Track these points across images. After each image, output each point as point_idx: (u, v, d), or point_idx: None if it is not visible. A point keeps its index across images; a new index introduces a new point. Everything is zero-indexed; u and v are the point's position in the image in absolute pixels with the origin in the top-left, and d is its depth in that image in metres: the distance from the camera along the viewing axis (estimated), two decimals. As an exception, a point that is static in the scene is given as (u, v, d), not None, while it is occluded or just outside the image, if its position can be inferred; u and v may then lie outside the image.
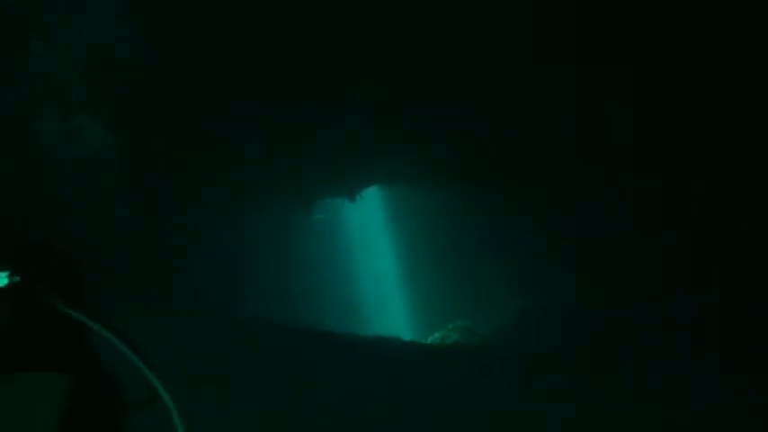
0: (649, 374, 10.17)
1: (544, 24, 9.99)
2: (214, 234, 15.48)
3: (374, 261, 35.15)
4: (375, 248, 34.31)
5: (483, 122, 12.22)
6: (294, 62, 10.91)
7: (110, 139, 11.12)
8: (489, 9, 10.10)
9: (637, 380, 10.07)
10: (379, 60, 11.17)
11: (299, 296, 21.12)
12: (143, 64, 10.95)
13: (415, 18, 10.34)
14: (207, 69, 10.71)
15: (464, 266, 20.24)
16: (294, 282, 21.39)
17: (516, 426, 8.91)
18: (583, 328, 12.56)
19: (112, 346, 2.13)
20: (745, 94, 9.54)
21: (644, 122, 10.65)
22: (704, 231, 10.81)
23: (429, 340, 19.51)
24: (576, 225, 13.02)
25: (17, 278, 2.14)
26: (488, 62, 10.91)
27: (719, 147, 10.26)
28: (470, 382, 10.67)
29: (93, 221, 11.28)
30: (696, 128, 10.23)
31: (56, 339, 2.16)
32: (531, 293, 15.99)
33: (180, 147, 11.82)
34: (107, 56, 10.63)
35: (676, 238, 11.20)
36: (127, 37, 10.72)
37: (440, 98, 12.02)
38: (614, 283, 12.62)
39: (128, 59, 10.84)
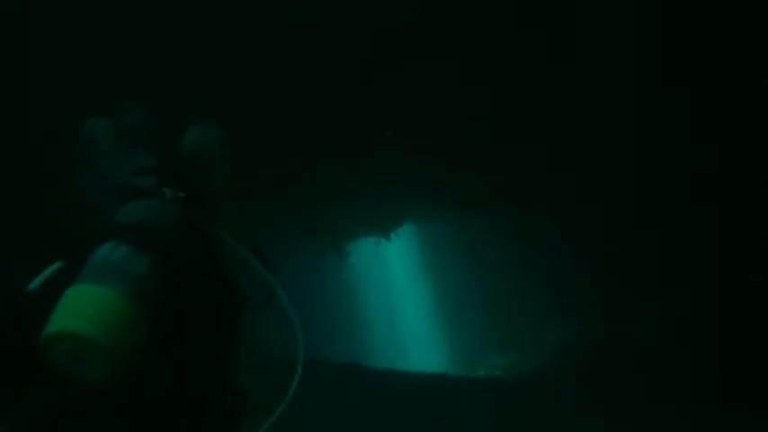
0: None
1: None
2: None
3: (411, 298, 35.01)
4: (411, 285, 34.18)
5: (513, 155, 12.11)
6: (321, 100, 10.85)
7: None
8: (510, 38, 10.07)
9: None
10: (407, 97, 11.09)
11: (332, 333, 21.04)
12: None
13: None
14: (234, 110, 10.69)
15: (501, 301, 20.06)
16: (329, 319, 21.31)
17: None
18: (622, 360, 12.37)
19: (242, 256, 2.73)
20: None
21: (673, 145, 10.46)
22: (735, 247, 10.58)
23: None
24: (608, 256, 12.84)
25: (181, 194, 2.75)
26: (514, 89, 10.83)
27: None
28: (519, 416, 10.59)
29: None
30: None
31: (206, 246, 2.74)
32: (569, 326, 15.76)
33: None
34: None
35: (707, 264, 10.95)
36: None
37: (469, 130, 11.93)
38: (649, 313, 12.39)
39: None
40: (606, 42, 9.50)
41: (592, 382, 12.15)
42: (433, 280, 28.53)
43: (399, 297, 36.22)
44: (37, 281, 2.54)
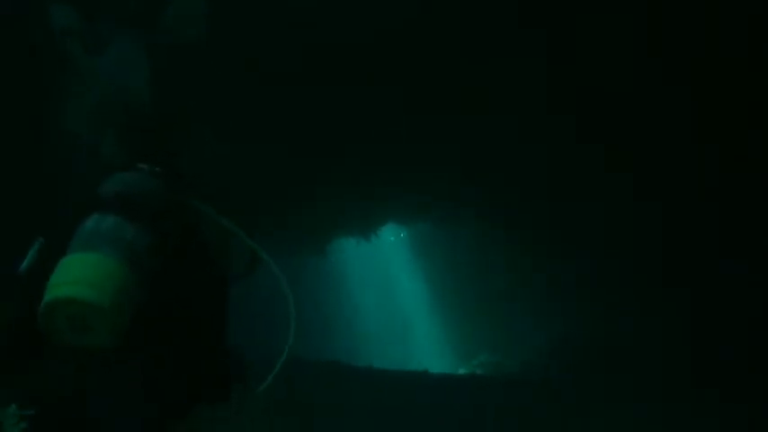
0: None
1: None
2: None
3: (399, 297, 35.02)
4: (400, 284, 34.17)
5: (503, 155, 12.07)
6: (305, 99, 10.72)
7: None
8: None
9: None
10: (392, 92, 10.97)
11: (322, 333, 20.93)
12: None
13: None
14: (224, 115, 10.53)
15: (490, 301, 20.08)
16: (315, 319, 21.23)
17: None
18: (611, 363, 12.39)
19: (224, 226, 2.79)
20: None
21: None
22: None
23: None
24: (604, 259, 12.86)
25: (157, 169, 2.80)
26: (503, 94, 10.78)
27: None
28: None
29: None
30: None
31: (188, 216, 2.80)
32: (559, 328, 15.80)
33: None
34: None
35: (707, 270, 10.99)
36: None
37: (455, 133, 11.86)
38: (644, 318, 12.42)
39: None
40: (606, 42, 9.53)
41: (578, 382, 12.22)
42: (427, 279, 28.48)
43: (393, 295, 36.26)
44: (25, 262, 2.58)
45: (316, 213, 15.25)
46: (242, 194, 12.40)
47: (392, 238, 25.87)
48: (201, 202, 2.88)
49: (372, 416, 10.25)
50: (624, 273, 12.56)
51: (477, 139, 11.77)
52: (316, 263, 20.84)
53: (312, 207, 14.72)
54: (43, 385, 2.43)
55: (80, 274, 2.34)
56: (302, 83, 10.23)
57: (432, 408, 11.18)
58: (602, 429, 10.13)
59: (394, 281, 35.29)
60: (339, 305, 25.65)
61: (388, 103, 10.94)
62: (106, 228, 2.47)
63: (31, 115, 8.53)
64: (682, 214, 10.61)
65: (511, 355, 18.36)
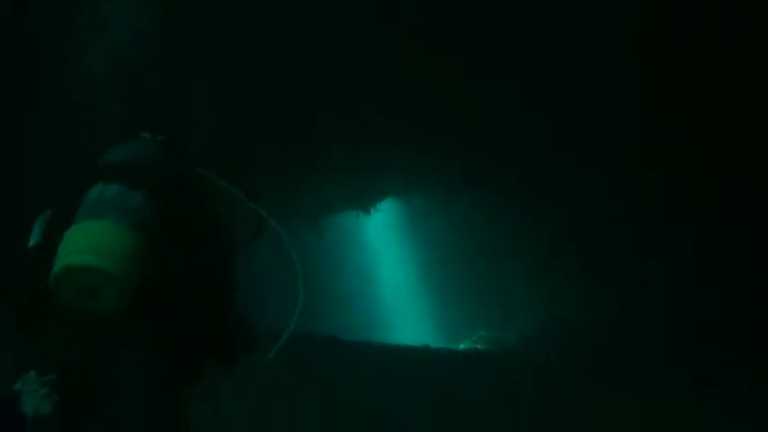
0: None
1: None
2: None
3: (397, 271, 34.93)
4: (398, 258, 34.06)
5: (505, 124, 11.94)
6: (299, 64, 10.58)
7: None
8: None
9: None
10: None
11: (318, 308, 20.91)
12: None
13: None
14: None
15: (491, 277, 20.08)
16: (312, 293, 21.16)
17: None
18: (607, 344, 12.51)
19: (230, 192, 2.81)
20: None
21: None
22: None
23: (453, 351, 19.28)
24: (605, 239, 12.86)
25: (160, 137, 2.85)
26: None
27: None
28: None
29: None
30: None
31: (192, 183, 2.84)
32: (558, 306, 15.85)
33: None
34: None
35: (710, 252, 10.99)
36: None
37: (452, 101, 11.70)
38: (644, 301, 12.47)
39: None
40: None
41: (576, 364, 12.34)
42: (421, 254, 28.44)
43: (384, 270, 36.22)
44: (34, 233, 2.63)
45: (314, 183, 15.17)
46: (239, 165, 12.32)
47: (391, 215, 25.75)
48: (205, 169, 2.90)
49: (373, 390, 10.35)
50: (623, 265, 12.60)
51: (478, 109, 11.65)
52: (313, 238, 20.81)
53: (311, 179, 14.64)
54: (51, 352, 2.47)
55: (86, 243, 2.36)
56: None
57: (434, 382, 11.28)
58: (602, 410, 10.28)
59: (387, 256, 35.23)
60: (333, 281, 25.67)
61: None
62: (110, 196, 2.49)
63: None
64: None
65: (509, 329, 18.45)
